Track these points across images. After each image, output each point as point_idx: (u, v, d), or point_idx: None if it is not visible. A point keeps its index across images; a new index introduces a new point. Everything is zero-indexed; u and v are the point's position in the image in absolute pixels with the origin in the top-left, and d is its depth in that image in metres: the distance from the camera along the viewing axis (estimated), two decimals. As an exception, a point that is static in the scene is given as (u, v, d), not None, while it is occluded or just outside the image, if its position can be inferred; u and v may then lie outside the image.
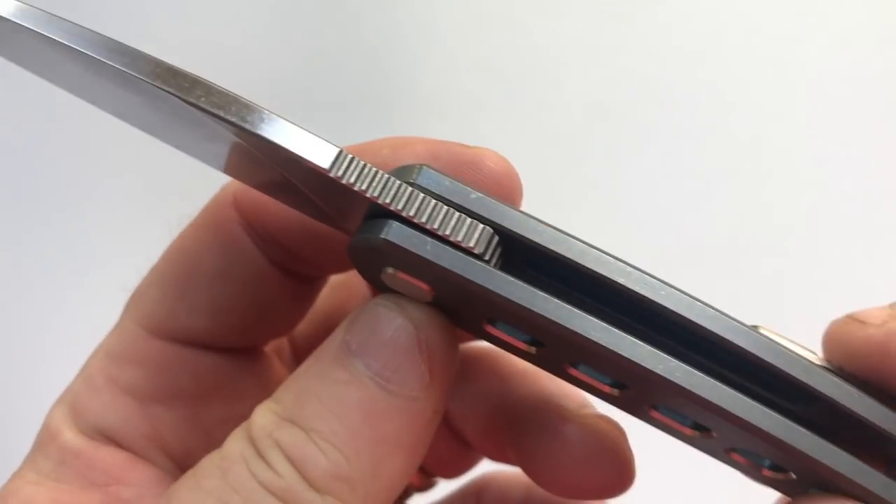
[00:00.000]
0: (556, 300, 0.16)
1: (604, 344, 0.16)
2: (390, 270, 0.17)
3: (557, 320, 0.16)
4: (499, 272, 0.16)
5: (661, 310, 0.16)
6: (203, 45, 0.56)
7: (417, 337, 0.18)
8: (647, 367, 0.16)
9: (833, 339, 0.18)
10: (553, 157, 0.53)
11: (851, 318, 0.18)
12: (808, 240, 0.49)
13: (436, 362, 0.18)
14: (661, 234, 0.50)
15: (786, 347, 0.17)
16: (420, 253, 0.16)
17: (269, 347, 0.25)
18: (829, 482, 0.17)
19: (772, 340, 0.17)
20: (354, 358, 0.17)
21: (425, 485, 0.27)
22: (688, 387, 0.16)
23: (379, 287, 0.18)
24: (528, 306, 0.16)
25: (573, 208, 0.51)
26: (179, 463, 0.22)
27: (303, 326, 0.25)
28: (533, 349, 0.18)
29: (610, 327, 0.16)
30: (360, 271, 0.19)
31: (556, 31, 0.55)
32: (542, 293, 0.16)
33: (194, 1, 0.57)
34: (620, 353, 0.16)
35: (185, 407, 0.22)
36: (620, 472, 0.22)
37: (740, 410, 0.16)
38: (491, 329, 0.18)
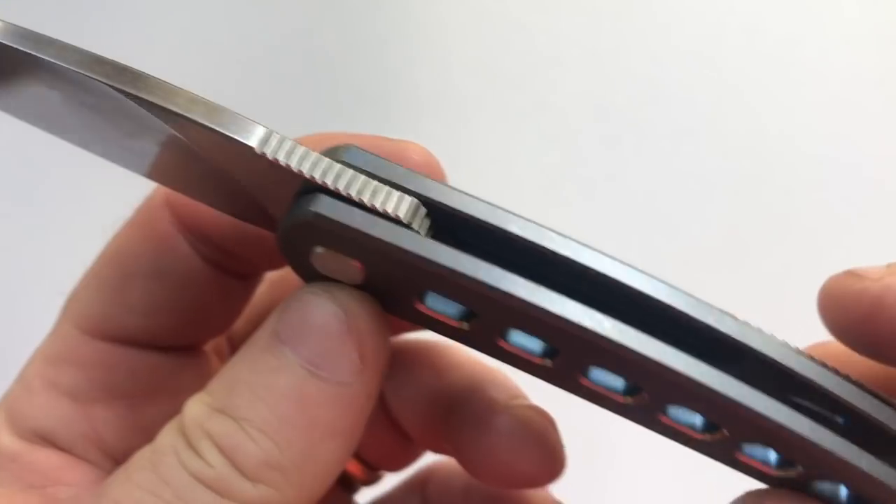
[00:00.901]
0: (483, 262, 0.16)
1: (532, 301, 0.16)
2: (320, 250, 0.17)
3: (486, 280, 0.16)
4: (427, 238, 0.17)
5: (586, 271, 0.17)
6: (202, 45, 0.56)
7: (347, 322, 0.18)
8: (575, 320, 0.16)
9: (829, 293, 0.18)
10: (552, 157, 0.53)
11: (849, 273, 0.18)
12: (809, 240, 0.49)
13: (367, 347, 0.18)
14: (661, 233, 0.50)
15: (712, 305, 0.17)
16: (350, 223, 0.17)
17: (209, 346, 0.25)
18: (761, 435, 0.17)
19: (699, 300, 0.17)
20: (284, 346, 0.17)
21: (371, 478, 0.27)
22: (615, 338, 0.16)
23: (309, 278, 0.19)
24: (456, 268, 0.16)
25: (572, 208, 0.51)
26: (120, 462, 0.21)
27: (241, 324, 0.25)
28: (465, 324, 0.18)
29: (537, 286, 0.16)
30: (289, 261, 0.19)
31: (556, 32, 0.55)
32: (469, 256, 0.17)
33: (195, 1, 0.57)
34: (548, 308, 0.16)
35: (123, 406, 0.22)
36: (550, 461, 0.22)
37: (667, 358, 0.16)
38: (422, 308, 0.18)
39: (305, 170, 0.17)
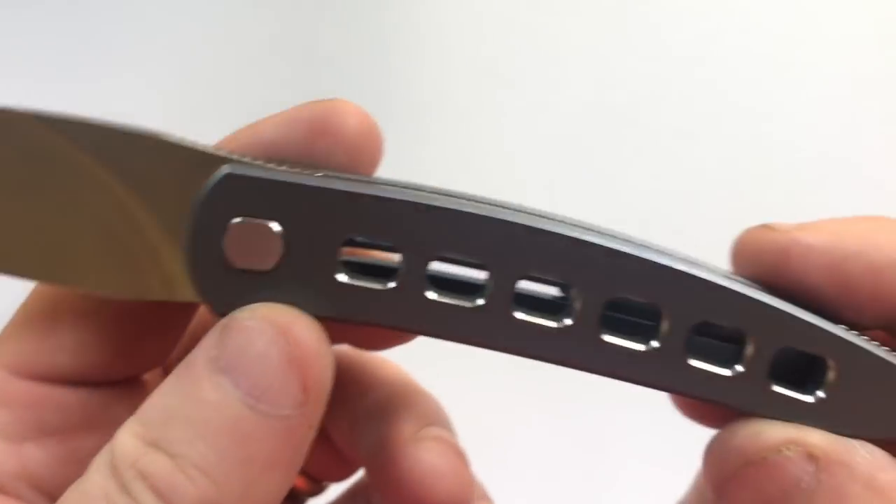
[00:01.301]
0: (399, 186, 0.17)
1: (464, 209, 0.17)
2: (237, 221, 0.17)
3: (412, 198, 0.17)
4: (338, 176, 0.17)
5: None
6: (202, 45, 0.56)
7: (289, 352, 0.17)
8: (505, 218, 0.17)
9: (741, 243, 0.19)
10: (552, 157, 0.53)
11: (762, 225, 0.19)
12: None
13: (310, 377, 0.17)
14: (662, 233, 0.50)
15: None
16: (264, 175, 0.17)
17: (147, 374, 0.24)
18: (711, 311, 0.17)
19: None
20: (223, 376, 0.17)
21: (315, 489, 0.27)
22: (539, 224, 0.17)
23: (221, 291, 0.18)
24: (383, 193, 0.17)
25: (573, 208, 0.51)
26: (54, 498, 0.21)
27: (178, 351, 0.24)
28: (391, 282, 0.18)
29: (460, 199, 0.17)
30: (198, 275, 0.18)
31: (556, 32, 0.55)
32: (385, 185, 0.17)
33: (195, 1, 0.57)
34: (475, 212, 0.17)
35: (56, 443, 0.21)
36: (455, 495, 0.22)
37: (575, 231, 0.17)
38: (346, 263, 0.18)
39: (208, 149, 0.17)
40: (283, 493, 0.18)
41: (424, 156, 0.54)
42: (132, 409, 0.22)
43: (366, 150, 0.20)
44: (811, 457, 0.17)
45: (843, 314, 0.18)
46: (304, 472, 0.26)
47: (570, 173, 0.53)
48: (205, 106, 0.55)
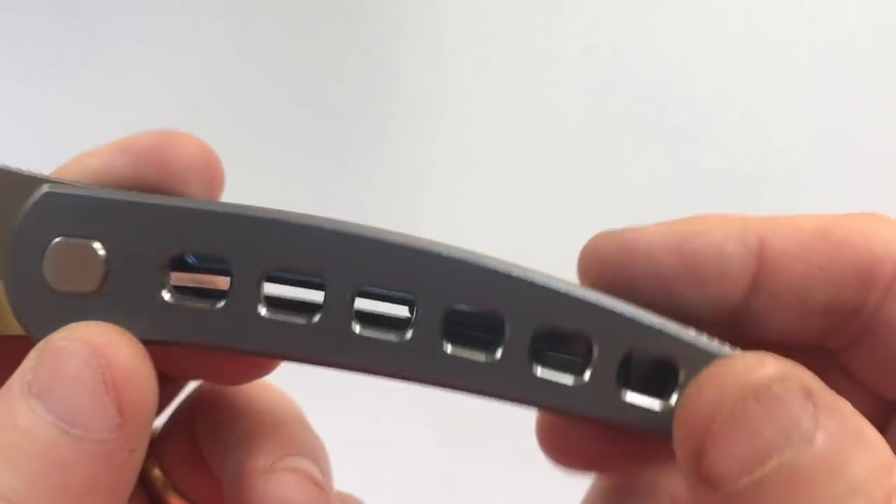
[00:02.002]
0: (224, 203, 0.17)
1: (293, 220, 0.17)
2: (57, 242, 0.17)
3: (242, 212, 0.17)
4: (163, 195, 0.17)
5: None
6: (202, 45, 0.56)
7: (103, 374, 0.16)
8: (337, 229, 0.17)
9: (585, 252, 0.19)
10: (552, 157, 0.53)
11: (604, 232, 0.20)
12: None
13: (126, 399, 0.16)
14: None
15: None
16: (83, 193, 0.17)
17: None
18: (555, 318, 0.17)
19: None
20: (36, 400, 0.16)
21: None
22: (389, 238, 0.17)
23: (40, 312, 0.17)
24: (208, 208, 0.17)
25: (572, 208, 0.51)
26: None
27: None
28: (219, 303, 0.17)
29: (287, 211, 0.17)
30: (16, 299, 0.17)
31: (556, 32, 0.55)
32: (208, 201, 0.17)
33: (195, 2, 0.57)
34: (306, 223, 0.17)
35: None
36: None
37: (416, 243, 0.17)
38: (173, 286, 0.17)
39: (30, 173, 0.17)
40: None
41: (425, 155, 0.54)
42: None
43: (201, 181, 0.19)
44: (809, 394, 0.16)
45: (693, 305, 0.18)
46: (188, 499, 0.25)
47: (571, 173, 0.53)
48: (205, 105, 0.55)
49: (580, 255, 0.20)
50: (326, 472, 0.22)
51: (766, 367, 0.16)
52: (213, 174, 0.19)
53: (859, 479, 0.15)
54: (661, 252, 0.19)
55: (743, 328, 0.19)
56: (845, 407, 0.16)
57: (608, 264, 0.19)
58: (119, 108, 0.53)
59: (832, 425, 0.15)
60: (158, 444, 0.24)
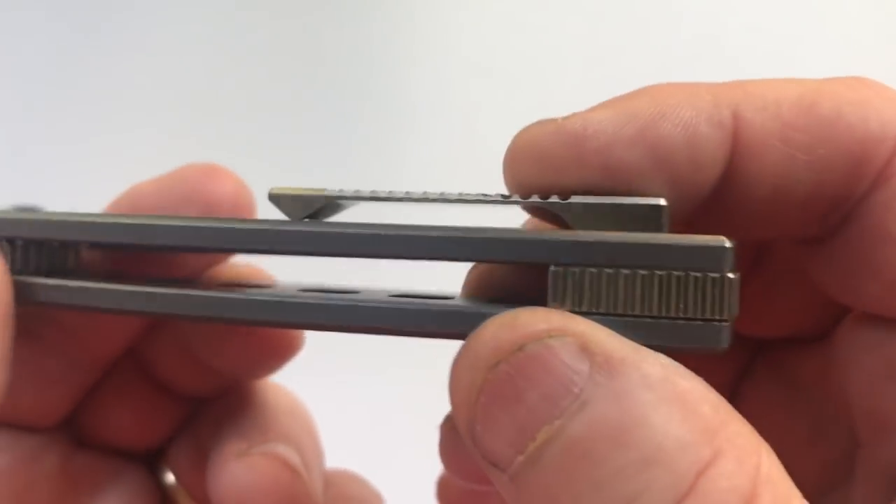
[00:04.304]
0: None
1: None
2: None
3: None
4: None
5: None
6: (202, 45, 0.56)
7: None
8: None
9: (520, 146, 0.16)
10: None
11: (537, 122, 0.16)
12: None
13: None
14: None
15: None
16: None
17: None
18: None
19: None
20: None
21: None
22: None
23: None
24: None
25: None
26: None
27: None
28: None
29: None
30: None
31: (556, 31, 0.55)
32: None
33: (195, 2, 0.57)
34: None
35: None
36: None
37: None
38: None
39: None
40: None
41: (425, 155, 0.54)
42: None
43: (232, 211, 0.21)
44: (585, 350, 0.13)
45: (655, 193, 0.15)
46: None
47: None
48: (205, 104, 0.55)
49: (507, 153, 0.16)
50: (310, 461, 0.22)
51: (528, 324, 0.13)
52: (240, 205, 0.21)
53: (659, 448, 0.12)
54: (619, 144, 0.15)
55: (704, 223, 0.16)
56: (652, 362, 0.13)
57: (548, 163, 0.15)
58: (118, 107, 0.53)
59: (616, 385, 0.13)
60: (171, 451, 0.24)
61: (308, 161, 0.54)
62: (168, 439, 0.24)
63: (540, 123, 0.16)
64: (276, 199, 0.17)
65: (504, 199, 0.16)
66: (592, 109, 0.16)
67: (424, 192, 0.17)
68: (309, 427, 0.24)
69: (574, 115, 0.16)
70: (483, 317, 0.14)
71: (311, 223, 0.17)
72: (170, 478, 0.24)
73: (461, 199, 0.16)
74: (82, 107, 0.55)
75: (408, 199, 0.17)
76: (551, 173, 0.15)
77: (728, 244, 0.14)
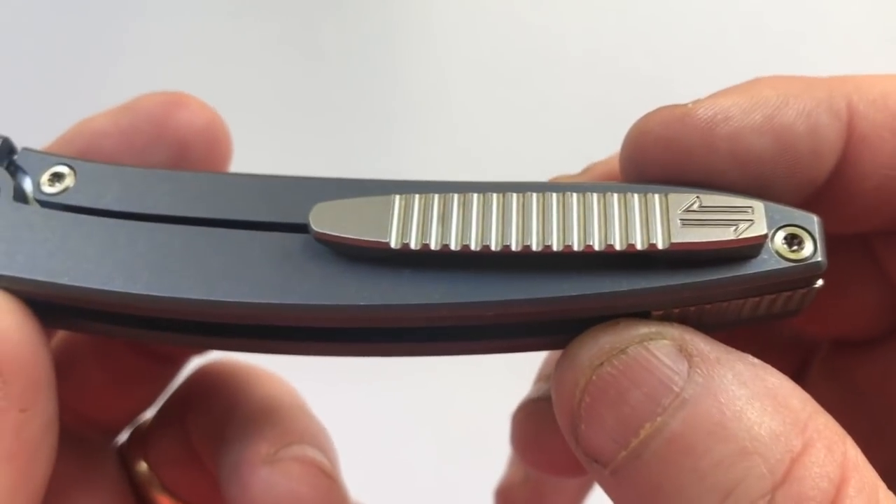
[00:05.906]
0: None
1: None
2: None
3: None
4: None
5: None
6: (202, 45, 0.56)
7: None
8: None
9: (643, 133, 0.16)
10: (552, 156, 0.53)
11: (661, 109, 0.16)
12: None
13: (6, 360, 0.16)
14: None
15: None
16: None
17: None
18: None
19: None
20: None
21: None
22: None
23: None
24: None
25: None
26: None
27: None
28: None
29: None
30: None
31: (556, 31, 0.55)
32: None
33: (195, 2, 0.57)
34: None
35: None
36: None
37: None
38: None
39: None
40: (22, 487, 0.16)
41: (425, 154, 0.54)
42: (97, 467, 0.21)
43: (203, 146, 0.19)
44: (682, 351, 0.14)
45: (778, 191, 0.15)
46: (181, 500, 0.24)
47: (572, 172, 0.53)
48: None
49: (630, 137, 0.16)
50: (334, 461, 0.21)
51: (628, 328, 0.14)
52: (216, 140, 0.19)
53: (754, 439, 0.13)
54: (748, 130, 0.15)
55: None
56: (738, 362, 0.14)
57: (677, 148, 0.15)
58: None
59: (713, 383, 0.14)
60: (146, 439, 0.23)
61: (308, 161, 0.54)
62: (140, 412, 0.23)
63: (668, 108, 0.16)
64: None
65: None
66: (716, 96, 0.16)
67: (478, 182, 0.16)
68: (319, 423, 0.23)
69: (700, 101, 0.16)
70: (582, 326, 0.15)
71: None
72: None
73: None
74: (82, 108, 0.55)
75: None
76: (679, 157, 0.15)
77: (823, 263, 0.15)
